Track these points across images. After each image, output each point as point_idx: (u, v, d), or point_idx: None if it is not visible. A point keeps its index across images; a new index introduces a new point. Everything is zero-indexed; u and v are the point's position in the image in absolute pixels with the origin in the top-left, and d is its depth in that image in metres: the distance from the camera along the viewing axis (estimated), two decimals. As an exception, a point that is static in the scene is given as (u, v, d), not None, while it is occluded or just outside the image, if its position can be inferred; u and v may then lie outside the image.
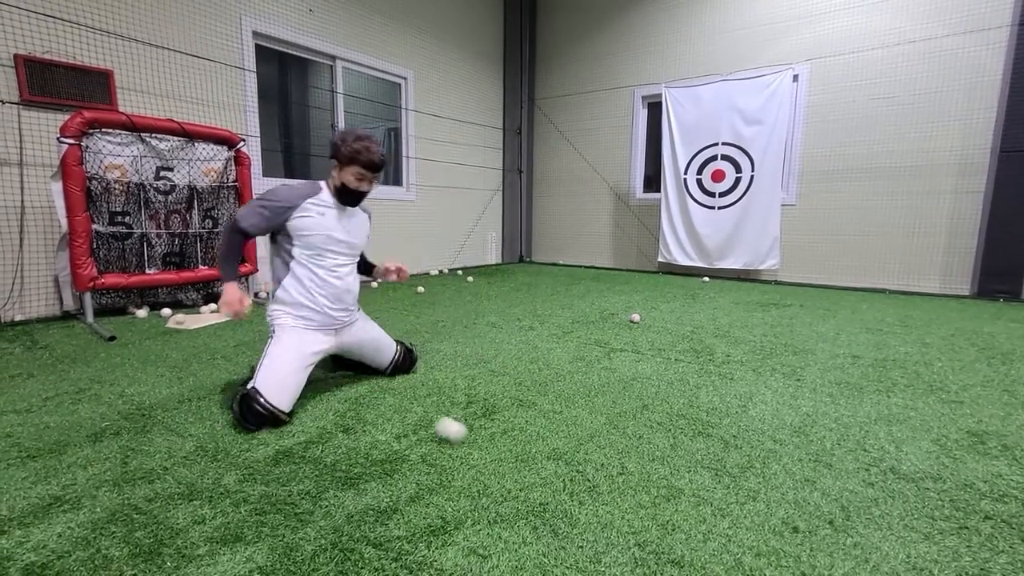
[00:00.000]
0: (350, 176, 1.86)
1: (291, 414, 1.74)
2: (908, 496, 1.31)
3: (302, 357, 1.83)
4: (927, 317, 3.68)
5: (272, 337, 1.87)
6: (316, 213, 1.88)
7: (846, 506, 1.26)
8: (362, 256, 2.19)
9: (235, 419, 1.70)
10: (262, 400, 1.65)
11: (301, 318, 1.91)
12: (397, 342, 2.25)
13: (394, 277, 2.18)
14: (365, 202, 2.03)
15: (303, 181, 2.05)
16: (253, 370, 1.79)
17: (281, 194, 1.86)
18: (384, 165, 1.92)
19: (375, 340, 2.15)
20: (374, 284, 4.87)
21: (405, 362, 2.24)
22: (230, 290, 1.80)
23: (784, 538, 1.13)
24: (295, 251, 1.89)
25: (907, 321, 3.53)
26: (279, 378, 1.72)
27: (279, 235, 1.92)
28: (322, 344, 1.94)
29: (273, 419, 1.66)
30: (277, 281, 1.94)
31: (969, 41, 4.49)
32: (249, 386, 1.70)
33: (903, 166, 4.87)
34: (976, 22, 4.46)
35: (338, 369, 2.27)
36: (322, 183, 1.96)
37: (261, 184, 4.36)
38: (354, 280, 2.06)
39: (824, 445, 1.60)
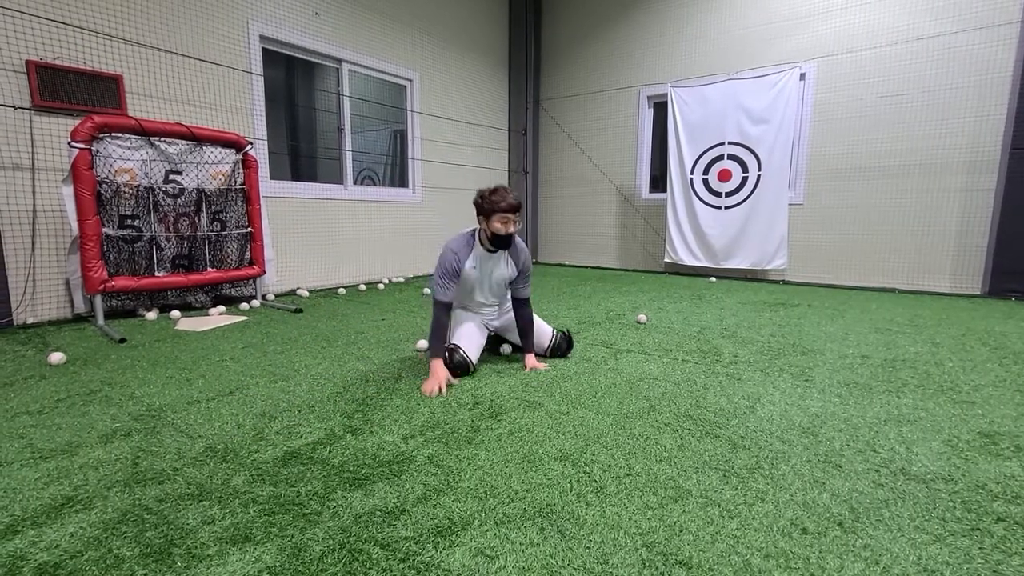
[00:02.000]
0: (497, 224, 2.20)
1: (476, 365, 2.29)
2: (919, 497, 1.30)
3: (479, 326, 2.46)
4: (937, 316, 3.64)
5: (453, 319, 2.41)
6: (471, 268, 2.32)
7: (856, 507, 1.25)
8: (527, 311, 2.46)
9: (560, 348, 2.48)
10: (462, 351, 2.23)
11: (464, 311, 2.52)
12: (555, 329, 2.60)
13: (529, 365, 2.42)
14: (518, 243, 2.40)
15: (460, 234, 2.35)
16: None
17: (450, 259, 2.25)
18: (520, 206, 2.25)
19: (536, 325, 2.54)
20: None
21: (562, 345, 2.56)
22: (437, 368, 2.12)
23: (793, 539, 1.12)
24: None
25: (917, 321, 3.49)
26: (469, 337, 2.33)
27: None
28: (489, 323, 2.57)
29: (464, 368, 2.22)
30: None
31: (979, 37, 4.45)
32: (450, 343, 2.27)
33: (912, 164, 4.83)
34: (986, 18, 4.41)
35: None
36: (475, 236, 2.33)
37: (269, 187, 4.39)
38: (497, 300, 2.54)
39: (833, 446, 1.58)
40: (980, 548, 1.10)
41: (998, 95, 4.42)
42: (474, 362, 2.27)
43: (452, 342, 2.29)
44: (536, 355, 2.45)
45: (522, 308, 2.43)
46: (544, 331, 2.56)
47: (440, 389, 2.03)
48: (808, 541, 1.12)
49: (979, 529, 1.17)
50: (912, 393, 2.07)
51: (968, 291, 4.69)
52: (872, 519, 1.20)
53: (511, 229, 2.23)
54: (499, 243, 2.27)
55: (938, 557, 1.07)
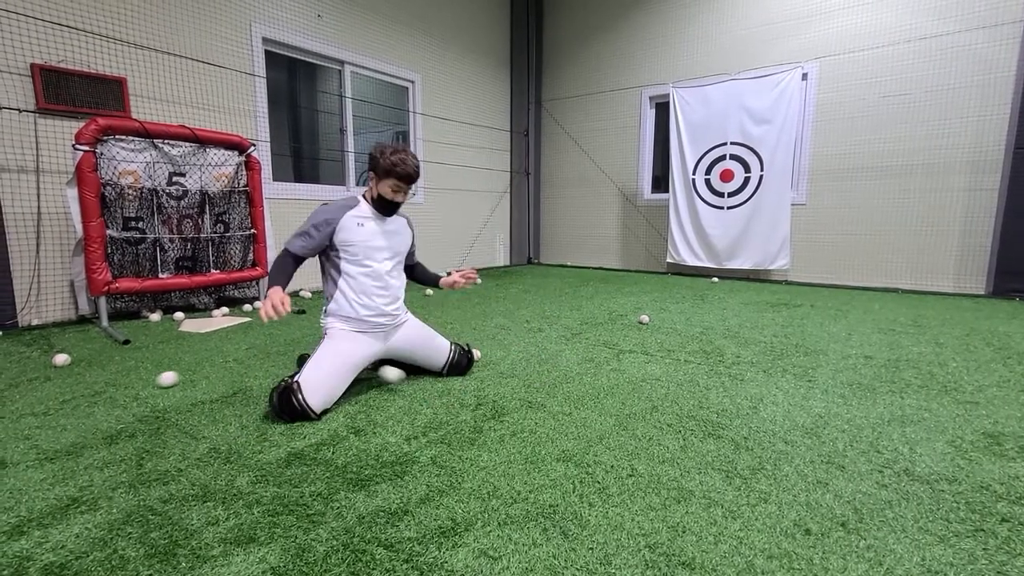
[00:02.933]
0: (387, 188, 1.98)
1: (323, 414, 1.80)
2: (922, 498, 1.29)
3: (347, 362, 1.93)
4: (941, 317, 3.63)
5: (324, 339, 1.99)
6: (356, 225, 1.99)
7: (859, 508, 1.25)
8: (421, 266, 2.36)
9: (272, 409, 1.77)
10: (301, 397, 1.74)
11: (350, 326, 2.02)
12: (452, 343, 2.29)
13: (462, 283, 2.26)
14: (403, 209, 2.15)
15: (342, 197, 2.14)
16: (300, 363, 1.88)
17: (322, 214, 1.97)
18: (418, 176, 2.02)
19: (426, 341, 2.21)
20: (428, 292, 4.68)
21: (461, 362, 2.27)
22: (274, 292, 1.77)
23: (796, 540, 1.12)
24: (342, 264, 2.01)
25: (920, 321, 3.48)
26: (320, 379, 1.81)
27: (329, 252, 2.03)
28: (371, 348, 2.04)
29: (303, 416, 1.74)
30: (328, 297, 2.06)
31: (982, 37, 4.44)
32: (293, 379, 1.78)
33: (915, 164, 4.82)
34: (989, 18, 4.40)
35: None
36: (359, 196, 2.08)
37: (271, 189, 4.41)
38: (399, 284, 2.15)
39: (836, 446, 1.58)
40: (984, 549, 1.10)
41: (1001, 94, 4.40)
42: (317, 412, 1.75)
43: (297, 379, 1.77)
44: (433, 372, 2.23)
45: (415, 268, 2.33)
46: (441, 347, 2.22)
47: (275, 308, 1.68)
48: (811, 542, 1.12)
49: (983, 530, 1.16)
50: (916, 394, 2.06)
51: (972, 291, 4.67)
52: (875, 520, 1.20)
53: (400, 199, 2.01)
54: (383, 209, 2.03)
55: (942, 558, 1.07)
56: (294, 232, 1.99)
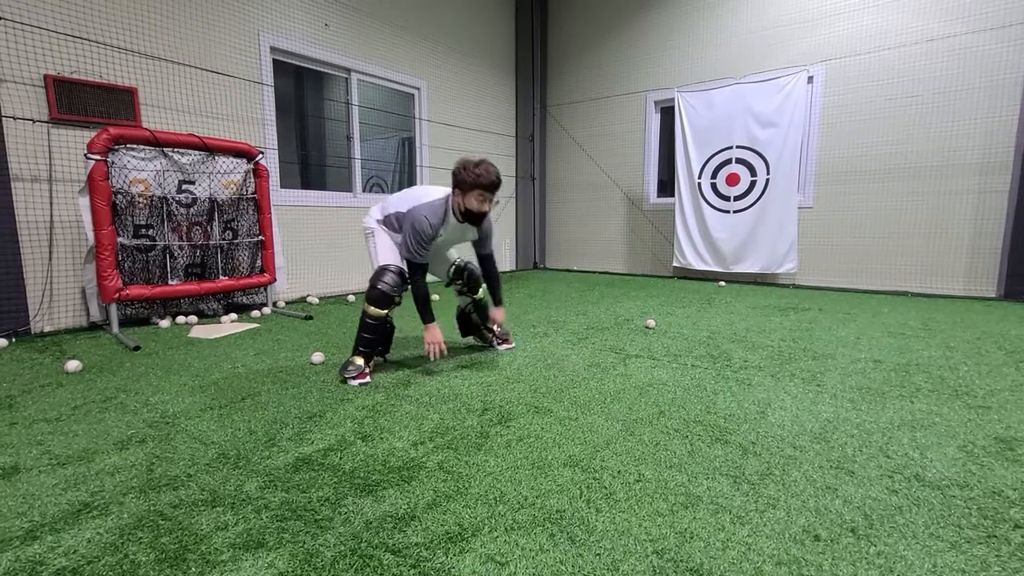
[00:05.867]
0: (473, 200, 2.17)
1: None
2: (933, 504, 1.28)
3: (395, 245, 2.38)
4: (951, 320, 3.60)
5: (372, 238, 2.37)
6: (440, 235, 2.29)
7: (869, 514, 1.23)
8: (494, 266, 2.62)
9: (374, 292, 2.20)
10: (392, 268, 2.23)
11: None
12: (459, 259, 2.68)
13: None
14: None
15: (432, 204, 2.26)
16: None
17: (426, 228, 2.21)
18: (500, 183, 2.22)
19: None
20: (435, 297, 4.80)
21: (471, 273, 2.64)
22: (434, 330, 2.27)
23: (805, 546, 1.12)
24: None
25: (930, 324, 3.45)
26: (392, 256, 2.32)
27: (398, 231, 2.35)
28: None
29: (402, 276, 2.24)
30: (383, 220, 2.40)
31: (990, 38, 4.41)
32: (376, 265, 2.30)
33: (923, 166, 4.79)
34: (996, 19, 4.38)
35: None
36: (447, 207, 2.27)
37: (279, 196, 4.45)
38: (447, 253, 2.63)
39: (846, 451, 1.57)
40: (997, 556, 1.08)
41: (1010, 96, 4.37)
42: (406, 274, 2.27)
43: (380, 264, 2.29)
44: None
45: (486, 265, 2.56)
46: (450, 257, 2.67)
47: (440, 350, 2.18)
48: (821, 548, 1.11)
49: (996, 536, 1.15)
50: (926, 398, 2.04)
51: (983, 294, 4.62)
52: (886, 526, 1.19)
53: (486, 208, 2.19)
54: (471, 219, 2.24)
55: (954, 565, 1.05)
56: (410, 247, 2.20)
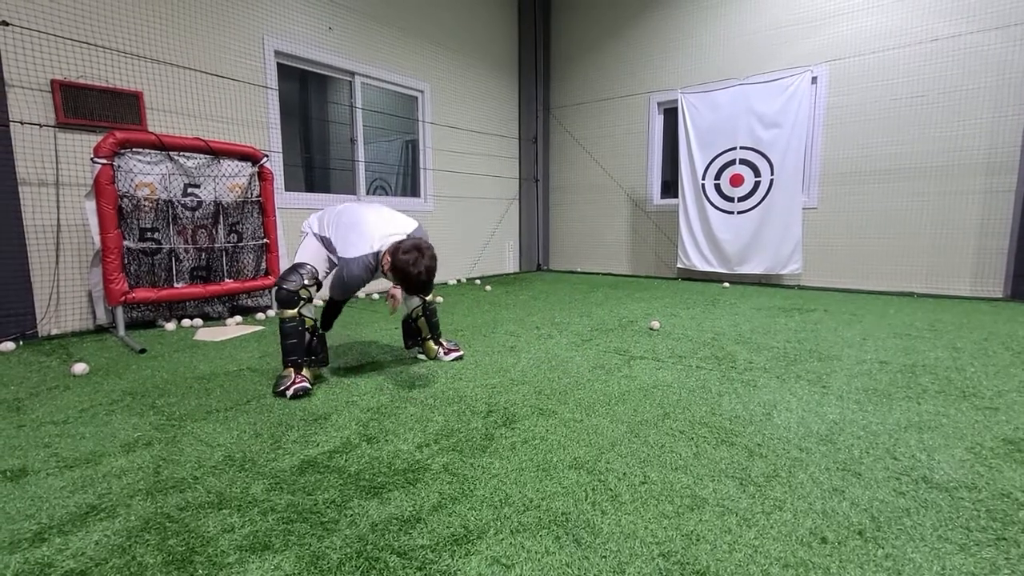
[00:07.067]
0: (393, 278, 2.12)
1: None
2: (941, 506, 1.27)
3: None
4: (958, 321, 3.57)
5: (304, 239, 2.36)
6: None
7: (876, 516, 1.23)
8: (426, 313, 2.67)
9: (280, 292, 2.16)
10: (304, 269, 2.22)
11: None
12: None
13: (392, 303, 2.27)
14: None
15: (365, 260, 2.16)
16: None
17: (358, 282, 2.20)
18: (428, 287, 2.09)
19: None
20: (439, 299, 4.75)
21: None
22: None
23: (812, 549, 1.11)
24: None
25: (936, 325, 3.43)
26: (312, 259, 2.29)
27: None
28: None
29: (313, 277, 2.23)
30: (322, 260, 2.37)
31: (995, 38, 4.39)
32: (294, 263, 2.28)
33: (929, 166, 4.76)
34: (1001, 18, 4.36)
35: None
36: (379, 263, 2.20)
37: (283, 199, 4.46)
38: None
39: (852, 453, 1.56)
40: (1006, 558, 1.08)
41: (1016, 95, 4.35)
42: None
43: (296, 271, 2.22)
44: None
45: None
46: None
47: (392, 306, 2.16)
48: (828, 550, 1.10)
49: (1005, 539, 1.14)
50: (933, 399, 2.03)
51: (989, 294, 4.59)
52: (893, 528, 1.18)
53: (400, 297, 2.19)
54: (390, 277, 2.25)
55: (962, 568, 1.05)
56: (336, 288, 2.23)
